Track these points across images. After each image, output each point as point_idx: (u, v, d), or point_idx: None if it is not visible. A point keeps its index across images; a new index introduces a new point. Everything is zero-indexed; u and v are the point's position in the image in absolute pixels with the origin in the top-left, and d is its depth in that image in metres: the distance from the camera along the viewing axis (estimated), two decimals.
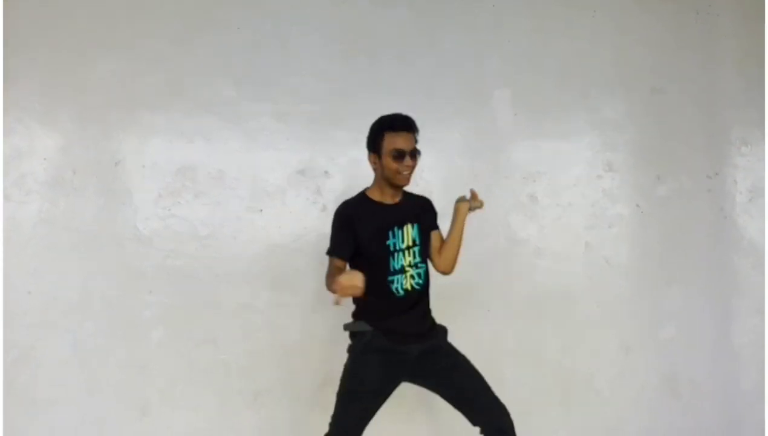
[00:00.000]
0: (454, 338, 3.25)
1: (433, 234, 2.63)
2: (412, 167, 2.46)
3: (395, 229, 2.47)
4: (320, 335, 3.08)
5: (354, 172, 3.18)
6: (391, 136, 2.43)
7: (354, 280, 2.18)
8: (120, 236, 3.03)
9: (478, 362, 3.27)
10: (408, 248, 2.48)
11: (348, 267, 2.45)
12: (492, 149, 3.39)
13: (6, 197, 2.95)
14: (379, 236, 2.46)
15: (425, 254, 2.56)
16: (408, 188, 2.59)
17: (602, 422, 3.39)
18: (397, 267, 2.46)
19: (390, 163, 2.43)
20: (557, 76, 3.48)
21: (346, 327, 2.54)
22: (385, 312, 2.47)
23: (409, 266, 2.48)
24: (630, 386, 3.43)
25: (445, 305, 3.26)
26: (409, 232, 2.50)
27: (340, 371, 2.60)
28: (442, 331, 2.62)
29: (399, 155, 2.41)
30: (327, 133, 3.22)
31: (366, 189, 2.59)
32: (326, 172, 3.21)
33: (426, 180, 3.29)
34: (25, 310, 2.96)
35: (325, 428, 2.50)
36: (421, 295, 2.53)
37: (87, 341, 3.01)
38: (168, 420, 3.05)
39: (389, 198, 2.52)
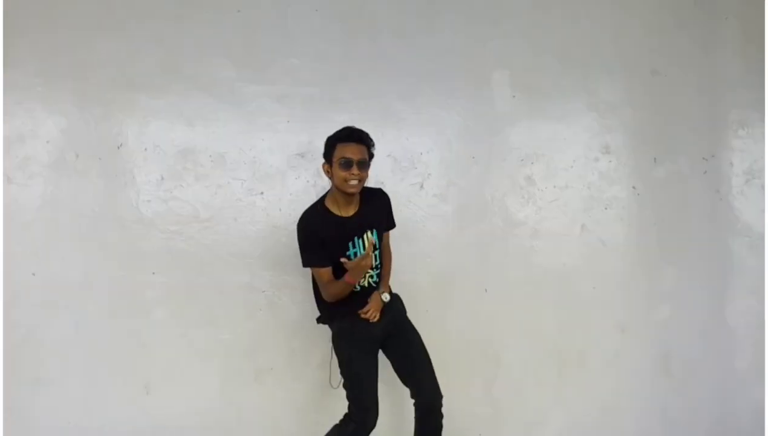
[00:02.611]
0: (453, 318, 3.31)
1: (385, 235, 2.84)
2: (360, 177, 2.59)
3: (356, 239, 2.66)
4: None
5: None
6: (342, 146, 2.61)
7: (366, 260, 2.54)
8: (123, 218, 3.07)
9: (476, 341, 3.35)
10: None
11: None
12: (490, 131, 3.41)
13: (9, 180, 2.98)
14: (341, 247, 2.64)
15: (381, 253, 2.77)
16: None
17: (597, 401, 3.45)
18: None
19: (339, 172, 2.58)
20: (556, 59, 3.48)
21: (320, 320, 2.82)
22: (348, 304, 2.68)
23: (373, 268, 2.71)
24: (625, 366, 3.48)
25: (444, 285, 3.33)
26: (369, 238, 2.68)
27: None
28: (399, 302, 2.83)
29: (346, 164, 2.57)
30: (326, 116, 3.21)
31: (323, 198, 2.73)
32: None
33: (424, 162, 3.32)
34: (29, 291, 3.00)
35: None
36: (375, 286, 2.77)
37: (90, 321, 3.05)
38: (170, 399, 3.10)
39: (345, 210, 2.67)
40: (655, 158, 3.53)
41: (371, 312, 2.68)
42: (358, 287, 2.69)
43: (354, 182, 2.58)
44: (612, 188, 3.49)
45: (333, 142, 2.64)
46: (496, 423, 3.36)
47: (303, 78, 3.23)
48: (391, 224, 2.87)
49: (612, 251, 3.48)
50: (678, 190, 3.54)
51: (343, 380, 2.72)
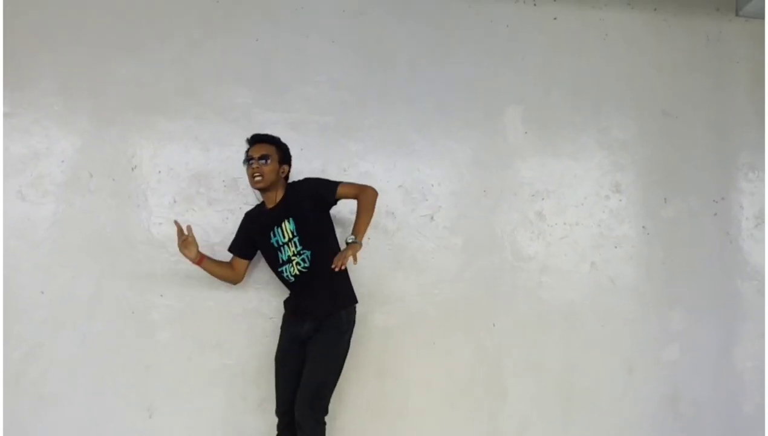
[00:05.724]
0: (460, 351, 3.29)
1: (338, 189, 2.80)
2: (260, 171, 2.77)
3: (275, 228, 2.82)
4: None
5: (365, 183, 3.22)
6: (248, 150, 2.86)
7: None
8: (133, 239, 3.07)
9: (483, 374, 3.31)
10: (289, 240, 2.80)
11: (237, 263, 2.98)
12: (501, 165, 3.42)
13: (22, 198, 3.00)
14: (264, 237, 2.86)
15: (308, 239, 2.80)
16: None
17: None
18: (285, 259, 2.82)
19: (247, 172, 2.84)
20: (569, 96, 3.52)
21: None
22: (289, 293, 2.93)
23: (294, 254, 2.80)
24: (632, 405, 3.43)
25: (452, 317, 3.31)
26: (287, 227, 2.80)
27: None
28: (340, 318, 2.81)
29: (248, 161, 2.82)
30: (340, 143, 3.26)
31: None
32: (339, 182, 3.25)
33: (435, 194, 3.33)
34: (36, 308, 3.00)
35: None
36: (312, 275, 2.79)
37: (96, 341, 3.04)
38: (172, 422, 3.08)
39: (270, 202, 2.87)
40: (665, 198, 3.53)
41: (342, 259, 2.57)
42: (291, 278, 2.81)
43: (257, 176, 2.77)
44: (622, 227, 3.49)
45: (246, 152, 2.87)
46: None
47: (318, 106, 3.27)
48: (324, 196, 2.79)
49: (621, 290, 3.46)
50: (688, 231, 3.53)
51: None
